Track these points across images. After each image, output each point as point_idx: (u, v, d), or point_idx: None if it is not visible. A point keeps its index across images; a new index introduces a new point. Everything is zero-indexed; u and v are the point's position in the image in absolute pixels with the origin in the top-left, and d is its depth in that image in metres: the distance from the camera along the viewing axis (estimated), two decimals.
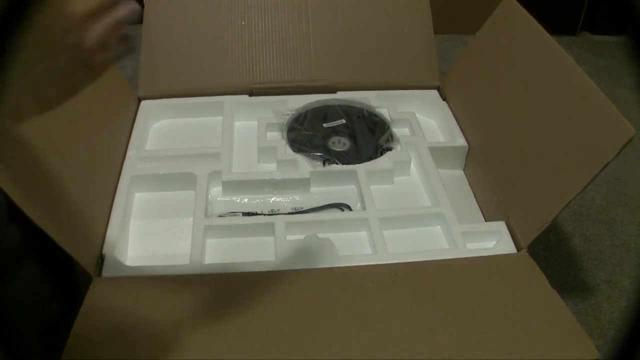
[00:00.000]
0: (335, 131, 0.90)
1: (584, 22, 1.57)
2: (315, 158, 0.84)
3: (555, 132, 0.71)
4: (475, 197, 0.84)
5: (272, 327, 0.59)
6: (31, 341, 0.61)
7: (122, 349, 0.57)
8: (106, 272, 0.66)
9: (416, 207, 0.80)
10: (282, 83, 0.95)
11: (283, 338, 0.58)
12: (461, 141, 0.88)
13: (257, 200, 0.80)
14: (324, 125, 0.91)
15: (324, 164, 0.83)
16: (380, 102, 0.94)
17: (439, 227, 0.77)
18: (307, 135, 0.88)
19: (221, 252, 0.72)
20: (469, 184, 0.87)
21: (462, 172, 0.89)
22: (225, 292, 0.63)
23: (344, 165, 0.83)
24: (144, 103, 0.93)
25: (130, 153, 0.83)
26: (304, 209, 0.79)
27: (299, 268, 0.67)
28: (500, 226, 0.74)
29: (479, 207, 0.82)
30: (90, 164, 0.74)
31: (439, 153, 0.86)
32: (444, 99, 0.96)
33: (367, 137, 0.89)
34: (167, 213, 0.78)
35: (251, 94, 0.95)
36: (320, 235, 0.73)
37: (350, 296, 0.63)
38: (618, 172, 1.08)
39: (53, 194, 0.63)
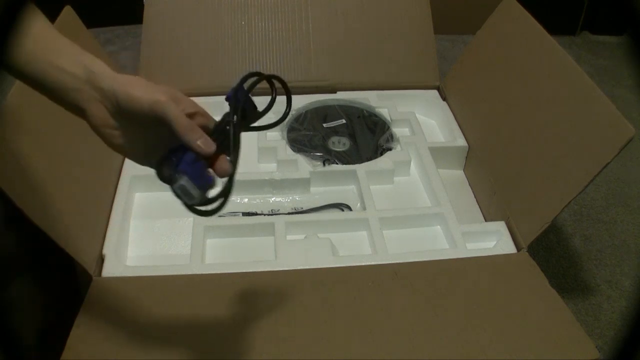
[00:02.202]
0: (335, 131, 0.90)
1: (584, 22, 1.57)
2: (315, 158, 0.84)
3: (555, 132, 0.71)
4: (475, 197, 0.84)
5: (272, 326, 0.59)
6: (31, 343, 0.61)
7: (122, 348, 0.57)
8: (106, 272, 0.66)
9: (416, 207, 0.80)
10: None
11: (283, 338, 0.58)
12: (461, 141, 0.88)
13: (257, 200, 0.80)
14: (324, 125, 0.91)
15: (324, 164, 0.83)
16: (380, 102, 0.94)
17: (439, 227, 0.77)
18: (307, 135, 0.88)
19: (221, 252, 0.72)
20: (469, 184, 0.87)
21: (462, 172, 0.89)
22: (225, 292, 0.63)
23: (344, 165, 0.83)
24: None
25: None
26: (304, 209, 0.79)
27: (299, 268, 0.67)
28: (500, 226, 0.74)
29: (479, 207, 0.82)
30: (90, 164, 0.74)
31: (439, 153, 0.86)
32: (444, 99, 0.96)
33: (367, 137, 0.89)
34: (167, 213, 0.78)
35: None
36: (320, 235, 0.73)
37: (350, 296, 0.63)
38: (618, 172, 1.08)
39: (53, 195, 0.63)
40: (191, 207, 0.44)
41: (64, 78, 0.42)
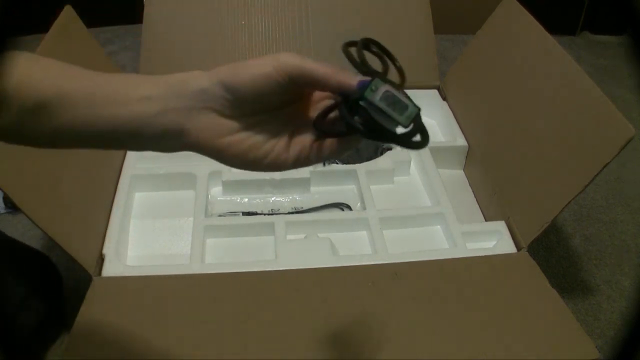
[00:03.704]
0: None
1: (584, 22, 1.56)
2: None
3: (555, 132, 0.71)
4: (475, 197, 0.84)
5: (272, 326, 0.59)
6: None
7: (122, 348, 0.57)
8: (106, 272, 0.66)
9: (416, 207, 0.80)
10: None
11: (283, 337, 0.58)
12: (461, 141, 0.88)
13: (257, 200, 0.80)
14: None
15: (324, 164, 0.83)
16: None
17: (439, 227, 0.77)
18: None
19: (221, 252, 0.72)
20: (469, 184, 0.87)
21: (462, 172, 0.89)
22: (225, 292, 0.63)
23: (344, 165, 0.83)
24: None
25: (130, 153, 0.83)
26: (304, 209, 0.79)
27: (299, 268, 0.67)
28: (500, 226, 0.74)
29: (479, 207, 0.82)
30: (90, 164, 0.74)
31: (439, 153, 0.86)
32: (444, 99, 0.96)
33: None
34: (167, 213, 0.78)
35: None
36: (320, 235, 0.73)
37: (350, 296, 0.63)
38: (618, 172, 1.08)
39: (53, 194, 0.63)
40: (405, 135, 0.33)
41: (146, 107, 0.33)
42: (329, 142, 0.36)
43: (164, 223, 0.77)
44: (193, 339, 0.58)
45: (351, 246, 0.73)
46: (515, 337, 0.59)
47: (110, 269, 0.66)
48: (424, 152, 0.85)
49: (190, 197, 0.78)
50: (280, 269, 0.67)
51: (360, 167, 0.82)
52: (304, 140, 0.37)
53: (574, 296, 0.84)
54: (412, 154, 0.86)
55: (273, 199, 0.81)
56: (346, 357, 0.57)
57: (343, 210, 0.79)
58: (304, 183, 0.81)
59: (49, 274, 0.73)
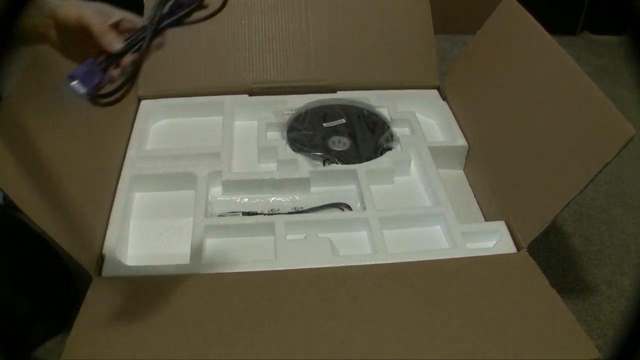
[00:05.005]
0: (335, 131, 0.90)
1: (584, 22, 1.56)
2: (315, 158, 0.84)
3: (555, 132, 0.71)
4: (475, 197, 0.84)
5: (272, 326, 0.59)
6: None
7: (122, 348, 0.57)
8: (106, 272, 0.66)
9: (416, 207, 0.80)
10: (282, 83, 0.95)
11: (283, 337, 0.58)
12: (461, 141, 0.88)
13: (257, 200, 0.80)
14: (324, 125, 0.91)
15: (324, 164, 0.83)
16: (380, 102, 0.94)
17: (439, 227, 0.77)
18: (307, 135, 0.88)
19: (221, 252, 0.72)
20: (469, 184, 0.87)
21: (462, 172, 0.89)
22: (225, 292, 0.63)
23: (344, 165, 0.83)
24: (144, 103, 0.93)
25: (130, 153, 0.83)
26: (304, 209, 0.79)
27: (299, 268, 0.67)
28: (500, 226, 0.74)
29: (479, 207, 0.82)
30: (90, 164, 0.74)
31: (439, 153, 0.86)
32: (444, 99, 0.96)
33: (367, 137, 0.89)
34: (167, 213, 0.78)
35: (251, 94, 0.95)
36: (320, 235, 0.73)
37: (350, 296, 0.63)
38: (618, 172, 1.08)
39: (53, 195, 0.63)
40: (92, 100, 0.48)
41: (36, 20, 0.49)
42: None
43: (164, 223, 0.77)
44: (193, 338, 0.58)
45: (351, 246, 0.73)
46: (515, 337, 0.59)
47: (110, 269, 0.66)
48: (424, 152, 0.85)
49: (190, 197, 0.78)
50: (280, 269, 0.67)
51: (360, 167, 0.82)
52: None
53: (574, 296, 0.85)
54: (413, 154, 0.86)
55: (273, 199, 0.81)
56: (346, 357, 0.57)
57: (343, 210, 0.79)
58: (304, 183, 0.81)
59: (59, 271, 0.73)
